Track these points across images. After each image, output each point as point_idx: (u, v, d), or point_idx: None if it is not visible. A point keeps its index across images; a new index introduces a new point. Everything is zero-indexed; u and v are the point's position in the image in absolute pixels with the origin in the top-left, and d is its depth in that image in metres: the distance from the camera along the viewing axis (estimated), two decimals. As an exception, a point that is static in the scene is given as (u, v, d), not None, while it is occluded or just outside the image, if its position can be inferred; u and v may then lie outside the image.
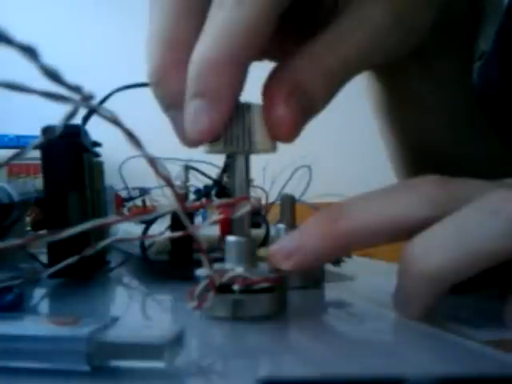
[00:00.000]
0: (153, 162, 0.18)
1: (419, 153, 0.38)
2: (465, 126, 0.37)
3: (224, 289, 0.22)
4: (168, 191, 0.19)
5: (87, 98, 0.15)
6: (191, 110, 0.22)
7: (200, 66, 0.21)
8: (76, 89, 0.15)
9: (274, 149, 0.24)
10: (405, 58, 0.28)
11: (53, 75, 0.14)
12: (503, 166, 0.39)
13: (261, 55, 0.27)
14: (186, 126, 0.22)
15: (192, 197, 0.59)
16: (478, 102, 0.39)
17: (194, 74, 0.22)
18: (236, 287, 0.22)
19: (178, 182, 0.59)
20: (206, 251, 0.21)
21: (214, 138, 0.22)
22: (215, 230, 0.36)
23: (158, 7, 0.23)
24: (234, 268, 0.23)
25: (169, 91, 0.23)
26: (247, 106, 0.23)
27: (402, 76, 0.33)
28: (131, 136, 0.17)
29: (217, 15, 0.22)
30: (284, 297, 0.24)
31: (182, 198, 0.20)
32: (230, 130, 0.23)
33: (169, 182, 0.19)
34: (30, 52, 0.14)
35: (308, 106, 0.23)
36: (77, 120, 0.27)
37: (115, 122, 0.16)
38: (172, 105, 0.23)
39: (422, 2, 0.26)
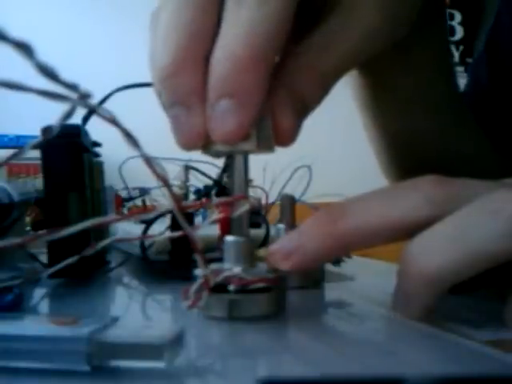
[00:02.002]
0: (150, 161, 0.18)
1: (404, 148, 0.38)
2: (449, 122, 0.37)
3: (221, 289, 0.22)
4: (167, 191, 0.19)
5: (84, 97, 0.15)
6: (218, 111, 0.21)
7: (229, 64, 0.21)
8: (72, 87, 0.15)
9: (274, 150, 0.24)
10: (388, 51, 0.28)
11: (49, 73, 0.14)
12: (493, 163, 0.39)
13: None
14: (212, 126, 0.22)
15: (192, 197, 0.59)
16: (466, 101, 0.39)
17: (222, 72, 0.21)
18: (231, 287, 0.22)
19: (177, 182, 0.59)
20: (201, 251, 0.21)
21: (241, 139, 0.22)
22: (215, 230, 0.36)
23: (175, 4, 0.22)
24: (231, 268, 0.23)
25: (180, 87, 0.22)
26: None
27: (383, 68, 0.33)
28: (129, 136, 0.17)
29: (239, 13, 0.21)
30: (282, 297, 0.24)
31: (178, 198, 0.20)
32: (262, 131, 0.22)
33: (165, 182, 0.19)
34: (25, 49, 0.14)
35: (304, 110, 0.24)
36: (77, 120, 0.27)
37: (114, 121, 0.16)
38: (179, 102, 0.22)
39: None
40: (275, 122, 0.23)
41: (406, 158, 0.38)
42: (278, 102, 0.23)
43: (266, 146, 0.23)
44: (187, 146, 0.23)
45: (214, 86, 0.21)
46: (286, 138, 0.23)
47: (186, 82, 0.22)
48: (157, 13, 0.23)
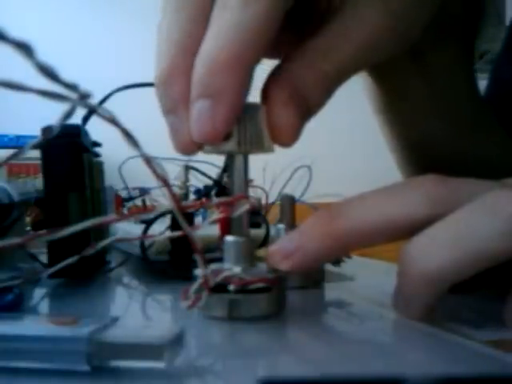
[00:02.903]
0: (150, 161, 0.18)
1: (420, 151, 0.38)
2: (469, 125, 0.36)
3: (221, 289, 0.22)
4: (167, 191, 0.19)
5: (84, 97, 0.15)
6: (195, 111, 0.22)
7: (207, 66, 0.21)
8: (72, 87, 0.15)
9: (273, 149, 0.24)
10: (399, 57, 0.28)
11: (48, 73, 0.14)
12: None
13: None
14: (191, 126, 0.22)
15: (192, 197, 0.59)
16: (488, 102, 0.39)
17: (201, 74, 0.22)
18: (231, 287, 0.22)
19: (177, 182, 0.59)
20: (201, 251, 0.21)
21: (219, 139, 0.22)
22: (215, 230, 0.36)
23: (172, 10, 0.23)
24: (231, 268, 0.23)
25: (171, 94, 0.23)
26: (257, 107, 0.23)
27: (396, 74, 0.33)
28: (129, 136, 0.17)
29: (222, 16, 0.22)
30: (282, 297, 0.24)
31: (178, 198, 0.20)
32: (244, 131, 0.23)
33: (165, 182, 0.19)
34: (25, 49, 0.14)
35: (306, 110, 0.23)
36: (77, 120, 0.27)
37: (113, 121, 0.16)
38: (172, 110, 0.23)
39: (419, 1, 0.26)
40: (273, 121, 0.23)
41: (422, 160, 0.38)
42: (278, 101, 0.23)
43: (254, 146, 0.23)
44: (183, 151, 0.24)
45: (192, 87, 0.22)
46: (286, 137, 0.23)
47: (174, 91, 0.23)
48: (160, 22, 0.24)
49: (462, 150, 0.36)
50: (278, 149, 0.24)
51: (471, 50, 0.35)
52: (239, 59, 0.21)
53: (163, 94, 0.23)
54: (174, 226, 0.33)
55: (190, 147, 0.23)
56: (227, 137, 0.22)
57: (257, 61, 0.22)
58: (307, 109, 0.24)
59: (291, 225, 0.32)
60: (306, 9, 0.27)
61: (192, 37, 0.22)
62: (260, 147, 0.23)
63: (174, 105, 0.23)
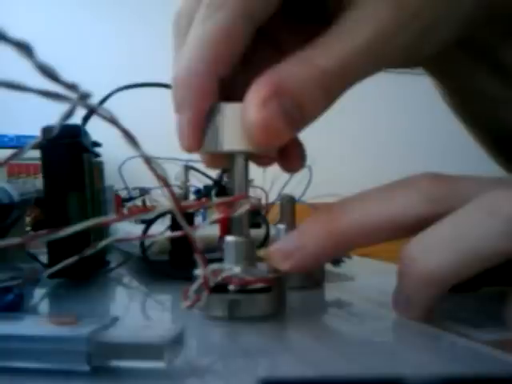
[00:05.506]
0: (150, 161, 0.18)
1: (503, 141, 0.34)
2: None
3: (221, 289, 0.22)
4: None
5: (84, 97, 0.15)
6: (176, 125, 0.24)
7: (172, 84, 0.23)
8: (72, 87, 0.15)
9: (256, 149, 0.23)
10: (461, 57, 0.27)
11: (48, 73, 0.14)
12: None
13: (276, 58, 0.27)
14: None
15: (192, 197, 0.59)
16: None
17: (172, 92, 0.23)
18: (231, 287, 0.22)
19: (177, 182, 0.60)
20: (200, 251, 0.21)
21: (194, 147, 0.24)
22: (215, 230, 0.36)
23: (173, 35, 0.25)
24: (231, 268, 0.23)
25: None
26: (218, 106, 0.23)
27: (466, 75, 0.30)
28: (129, 136, 0.17)
29: (190, 32, 0.23)
30: (282, 297, 0.24)
31: (178, 198, 0.20)
32: (206, 133, 0.23)
33: (165, 182, 0.19)
34: (25, 49, 0.14)
35: (295, 113, 0.21)
36: (77, 120, 0.27)
37: (113, 121, 0.16)
38: None
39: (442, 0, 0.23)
40: (246, 121, 0.21)
41: (502, 151, 0.35)
42: (254, 99, 0.21)
43: (213, 146, 0.23)
44: (208, 167, 0.26)
45: None
46: (263, 136, 0.21)
47: None
48: None
49: None
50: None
51: None
52: (192, 75, 0.22)
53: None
54: (174, 226, 0.33)
55: (209, 162, 0.26)
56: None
57: (219, 72, 0.22)
58: (297, 111, 0.21)
59: (291, 225, 0.32)
60: (316, 11, 0.26)
61: None
62: (215, 147, 0.23)
63: None
